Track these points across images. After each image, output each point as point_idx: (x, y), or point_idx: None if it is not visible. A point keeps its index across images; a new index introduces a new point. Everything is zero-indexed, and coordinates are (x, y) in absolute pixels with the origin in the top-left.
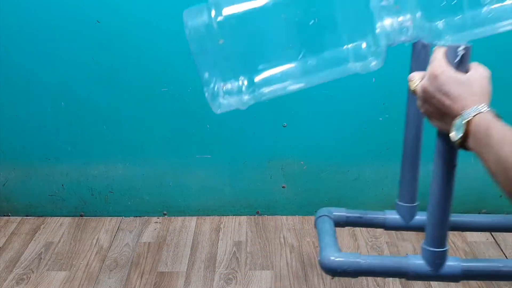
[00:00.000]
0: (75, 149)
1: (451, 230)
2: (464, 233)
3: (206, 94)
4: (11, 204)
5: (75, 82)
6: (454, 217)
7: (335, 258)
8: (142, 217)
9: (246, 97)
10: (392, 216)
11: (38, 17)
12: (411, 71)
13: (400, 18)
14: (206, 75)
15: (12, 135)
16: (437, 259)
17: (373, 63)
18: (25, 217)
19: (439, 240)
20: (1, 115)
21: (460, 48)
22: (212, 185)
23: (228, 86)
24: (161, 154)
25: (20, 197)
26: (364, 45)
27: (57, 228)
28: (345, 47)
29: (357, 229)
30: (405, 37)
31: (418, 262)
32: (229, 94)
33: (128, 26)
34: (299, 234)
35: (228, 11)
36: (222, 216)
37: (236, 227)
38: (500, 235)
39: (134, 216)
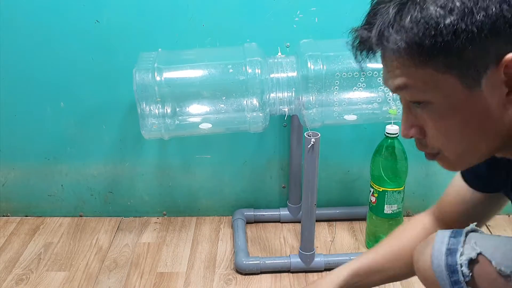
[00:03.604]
0: (75, 149)
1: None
2: None
3: (139, 113)
4: (10, 204)
5: (74, 82)
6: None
7: (245, 261)
8: (142, 217)
9: (169, 121)
10: (285, 212)
11: (37, 16)
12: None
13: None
14: (143, 105)
15: (11, 135)
16: (307, 258)
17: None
18: (25, 217)
19: (308, 247)
20: (0, 115)
21: (312, 139)
22: (212, 185)
23: (156, 111)
24: (160, 154)
25: (19, 197)
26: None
27: (57, 228)
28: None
29: (356, 226)
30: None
31: (297, 260)
32: (156, 116)
33: (128, 25)
34: (299, 235)
35: (167, 76)
36: (222, 216)
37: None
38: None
39: (133, 216)
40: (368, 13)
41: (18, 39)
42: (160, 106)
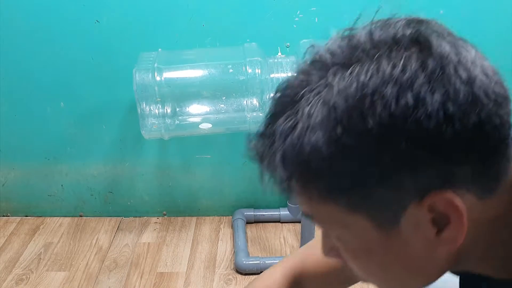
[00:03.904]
0: (75, 149)
1: None
2: None
3: (139, 112)
4: (11, 204)
5: (74, 82)
6: None
7: (245, 261)
8: (142, 217)
9: (168, 121)
10: (285, 212)
11: (38, 17)
12: None
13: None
14: (143, 105)
15: (11, 135)
16: None
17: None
18: (25, 217)
19: None
20: (0, 115)
21: None
22: (212, 185)
23: (157, 111)
24: (160, 154)
25: (19, 197)
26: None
27: (57, 229)
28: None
29: None
30: None
31: None
32: (156, 116)
33: (127, 25)
34: (299, 235)
35: (167, 76)
36: (222, 216)
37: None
38: None
39: (133, 217)
40: (266, 118)
41: (18, 39)
42: (160, 106)
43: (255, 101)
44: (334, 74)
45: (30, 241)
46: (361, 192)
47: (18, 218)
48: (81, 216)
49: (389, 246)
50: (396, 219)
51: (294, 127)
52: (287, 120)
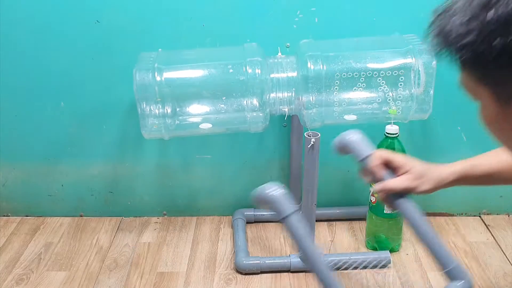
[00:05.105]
0: (75, 149)
1: None
2: (464, 233)
3: (139, 113)
4: (11, 204)
5: (75, 82)
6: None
7: (245, 261)
8: (142, 217)
9: (169, 121)
10: None
11: (38, 17)
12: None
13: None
14: (143, 105)
15: (11, 135)
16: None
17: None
18: (25, 217)
19: None
20: (0, 115)
21: (312, 139)
22: (212, 185)
23: (157, 111)
24: (161, 154)
25: (19, 197)
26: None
27: (57, 228)
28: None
29: (356, 226)
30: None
31: (297, 260)
32: (156, 116)
33: (128, 25)
34: None
35: (168, 76)
36: (222, 216)
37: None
38: (500, 235)
39: (134, 216)
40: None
41: (19, 39)
42: (160, 106)
43: (255, 101)
44: None
45: (30, 241)
46: (482, 69)
47: (19, 218)
48: (81, 216)
49: (506, 121)
50: (510, 100)
51: (450, 9)
52: (450, 3)
